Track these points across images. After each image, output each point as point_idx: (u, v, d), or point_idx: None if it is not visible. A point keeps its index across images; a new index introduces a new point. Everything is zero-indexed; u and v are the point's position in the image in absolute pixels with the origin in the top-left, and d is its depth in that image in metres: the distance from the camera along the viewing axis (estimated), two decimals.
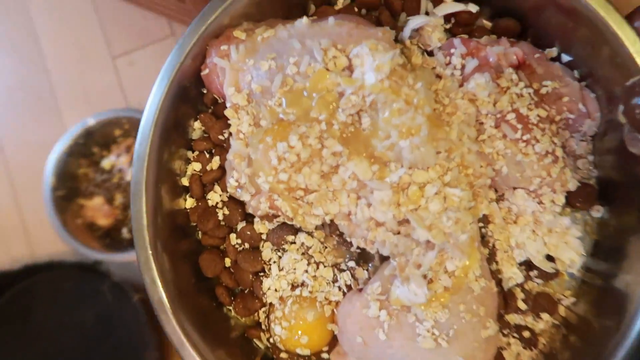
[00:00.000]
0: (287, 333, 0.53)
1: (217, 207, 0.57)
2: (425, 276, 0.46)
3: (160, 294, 0.51)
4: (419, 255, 0.46)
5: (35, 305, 0.83)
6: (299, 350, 0.54)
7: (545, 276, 0.54)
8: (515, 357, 0.54)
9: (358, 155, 0.46)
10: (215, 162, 0.57)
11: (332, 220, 0.51)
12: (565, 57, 0.55)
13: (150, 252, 0.52)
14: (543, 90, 0.52)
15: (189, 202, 0.58)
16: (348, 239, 0.52)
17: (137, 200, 0.53)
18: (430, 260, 0.45)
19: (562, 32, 0.54)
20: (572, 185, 0.51)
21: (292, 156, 0.46)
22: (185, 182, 0.58)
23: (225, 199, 0.57)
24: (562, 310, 0.55)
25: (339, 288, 0.54)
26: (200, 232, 0.59)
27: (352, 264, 0.54)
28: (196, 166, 0.58)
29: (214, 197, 0.57)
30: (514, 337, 0.54)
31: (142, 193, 0.53)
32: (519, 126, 0.49)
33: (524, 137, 0.49)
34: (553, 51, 0.56)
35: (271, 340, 0.56)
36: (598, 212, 0.55)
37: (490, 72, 0.50)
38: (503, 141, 0.49)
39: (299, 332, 0.53)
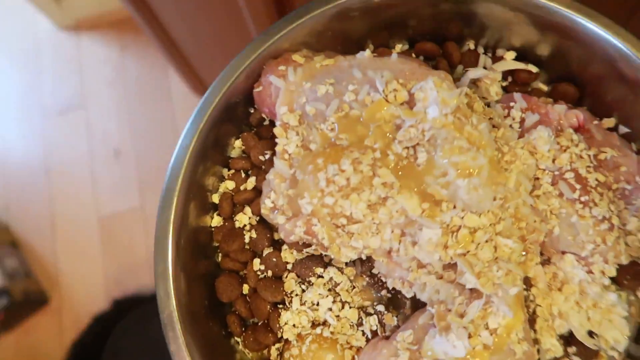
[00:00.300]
0: None
1: (245, 230, 0.54)
2: (465, 328, 0.42)
3: (171, 307, 0.48)
4: (462, 304, 0.42)
5: (153, 324, 1.05)
6: None
7: (585, 354, 0.50)
8: None
9: (409, 190, 0.44)
10: (251, 182, 0.55)
11: (366, 258, 0.48)
12: (623, 129, 0.54)
13: (170, 262, 0.49)
14: (602, 156, 0.50)
15: (215, 220, 0.56)
16: (383, 279, 0.48)
17: (165, 209, 0.50)
18: (476, 310, 0.41)
19: (621, 103, 0.54)
20: (625, 259, 0.48)
21: (341, 180, 0.44)
22: (215, 199, 0.56)
23: (254, 222, 0.54)
24: None
25: (363, 333, 0.49)
26: (220, 255, 0.56)
27: (381, 307, 0.50)
28: (230, 184, 0.56)
29: (243, 218, 0.54)
30: None
31: (172, 202, 0.50)
32: (578, 186, 0.47)
33: (582, 199, 0.47)
34: (610, 121, 0.54)
35: None
36: None
37: (552, 128, 0.48)
38: (559, 200, 0.47)
39: None
